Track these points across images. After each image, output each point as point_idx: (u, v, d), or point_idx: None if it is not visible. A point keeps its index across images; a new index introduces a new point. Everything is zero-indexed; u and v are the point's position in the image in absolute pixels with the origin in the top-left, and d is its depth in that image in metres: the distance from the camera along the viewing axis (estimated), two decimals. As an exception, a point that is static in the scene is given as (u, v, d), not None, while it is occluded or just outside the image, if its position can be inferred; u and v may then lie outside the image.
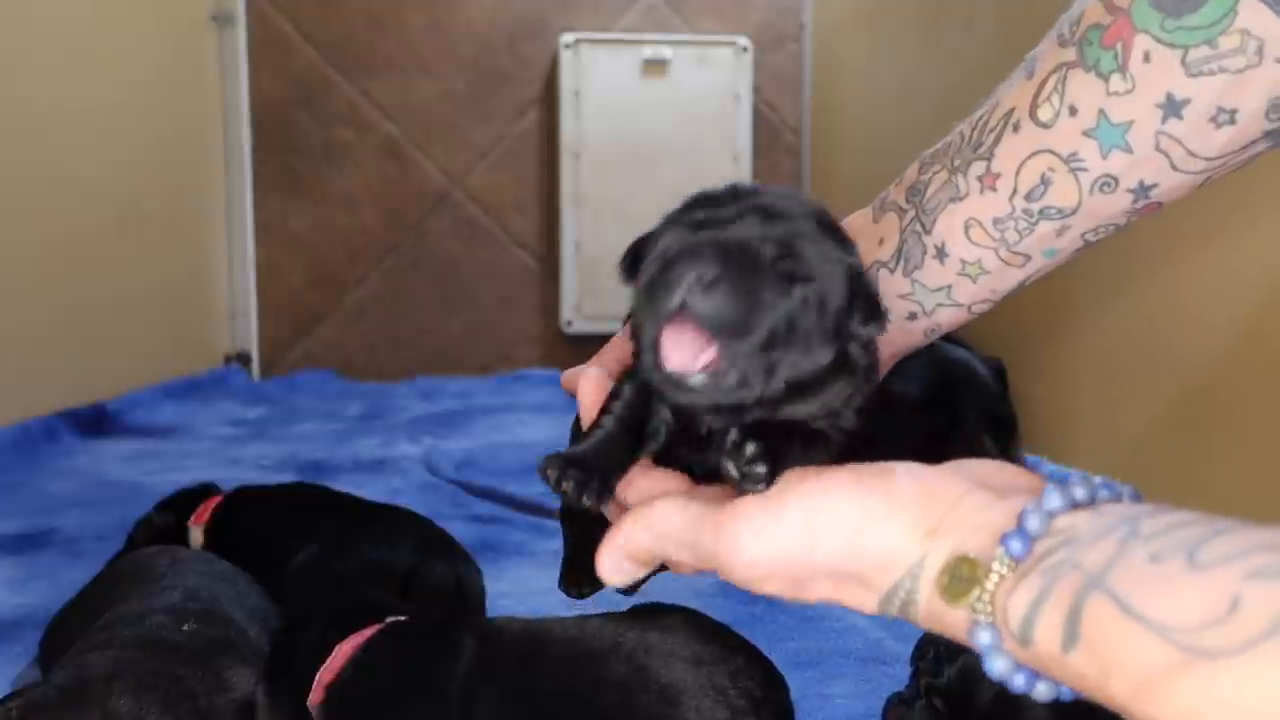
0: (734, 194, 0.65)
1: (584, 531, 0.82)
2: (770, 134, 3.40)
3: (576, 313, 3.27)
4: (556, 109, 3.22)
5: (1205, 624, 0.43)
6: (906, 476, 0.57)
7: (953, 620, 0.54)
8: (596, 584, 0.79)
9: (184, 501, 1.42)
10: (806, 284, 0.61)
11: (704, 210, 0.64)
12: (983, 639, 0.52)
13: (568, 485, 0.65)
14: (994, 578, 0.51)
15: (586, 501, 0.65)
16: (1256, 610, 0.42)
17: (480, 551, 1.40)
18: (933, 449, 0.63)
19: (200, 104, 3.12)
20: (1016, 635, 0.50)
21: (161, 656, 0.93)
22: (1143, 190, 0.73)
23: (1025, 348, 2.08)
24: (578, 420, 0.79)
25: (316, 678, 0.90)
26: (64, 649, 1.01)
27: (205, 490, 1.45)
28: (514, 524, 1.76)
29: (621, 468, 0.68)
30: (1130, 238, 1.75)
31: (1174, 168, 0.71)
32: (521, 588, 1.40)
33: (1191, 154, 0.71)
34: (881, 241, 0.83)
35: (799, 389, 0.63)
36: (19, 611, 1.37)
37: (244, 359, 3.26)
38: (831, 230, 0.65)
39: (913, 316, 0.83)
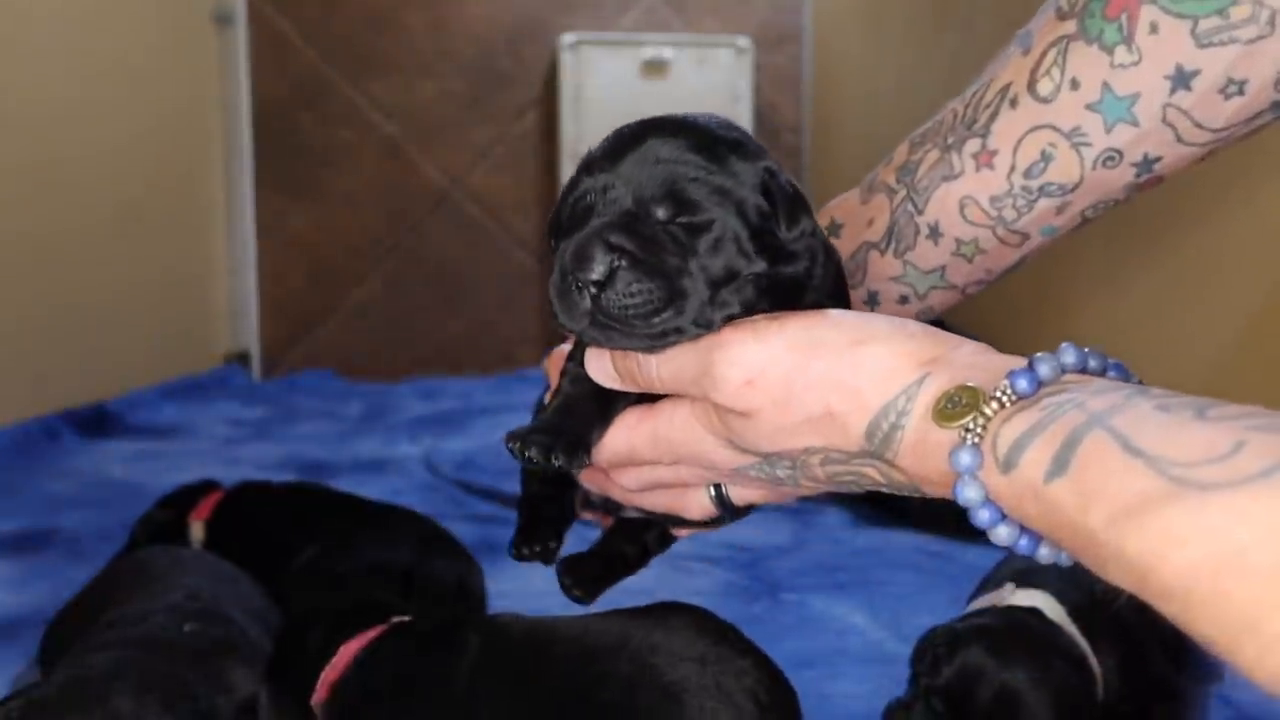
0: (615, 150, 0.63)
1: (539, 501, 0.81)
2: (770, 134, 3.40)
3: (576, 313, 3.27)
4: (556, 110, 3.22)
5: (1205, 460, 0.42)
6: (913, 321, 0.60)
7: (935, 443, 0.53)
8: (548, 551, 0.78)
9: (185, 498, 1.42)
10: (707, 230, 0.60)
11: (588, 180, 0.63)
12: (962, 460, 0.51)
13: (532, 452, 0.61)
14: (994, 405, 0.51)
15: (557, 462, 0.62)
16: (1260, 452, 0.41)
17: (480, 551, 1.40)
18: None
19: (200, 104, 3.12)
20: (1001, 460, 0.49)
21: (162, 656, 0.94)
22: (1146, 164, 0.71)
23: (1025, 345, 2.07)
24: (541, 398, 0.78)
25: (321, 677, 0.90)
26: (64, 649, 1.01)
27: (206, 487, 1.45)
28: (514, 524, 1.76)
29: (593, 425, 0.66)
30: (1131, 227, 1.74)
31: (1180, 140, 0.70)
32: (521, 587, 1.40)
33: (1198, 126, 0.69)
34: (871, 222, 0.81)
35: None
36: (19, 611, 1.38)
37: (244, 359, 3.26)
38: (727, 146, 0.63)
39: (904, 300, 0.81)
